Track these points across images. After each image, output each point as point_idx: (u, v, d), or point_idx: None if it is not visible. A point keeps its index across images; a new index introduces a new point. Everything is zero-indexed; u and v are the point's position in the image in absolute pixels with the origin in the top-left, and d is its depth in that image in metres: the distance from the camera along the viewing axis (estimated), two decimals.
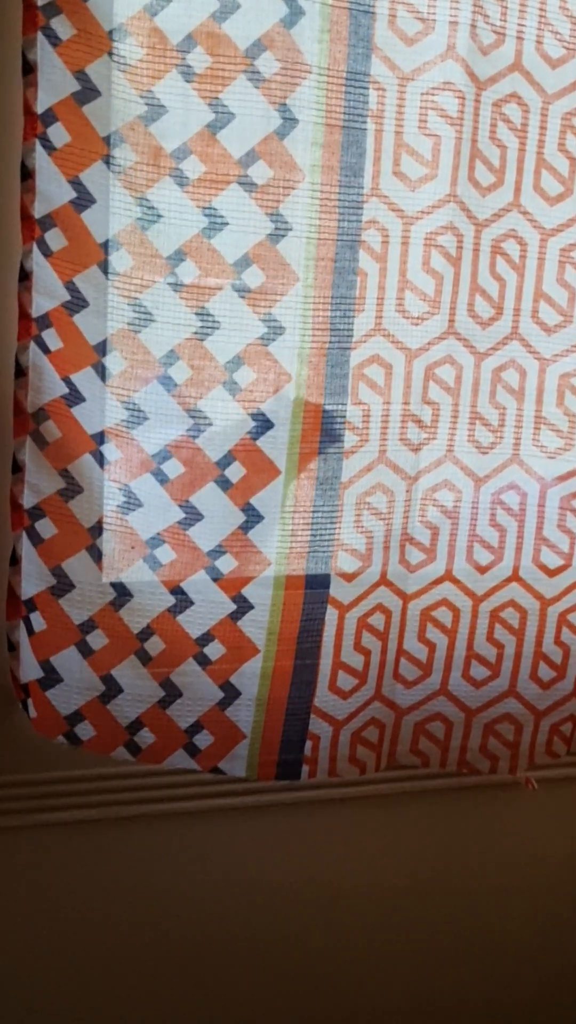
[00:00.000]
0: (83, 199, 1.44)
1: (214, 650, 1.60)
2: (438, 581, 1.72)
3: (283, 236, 1.51)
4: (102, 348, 1.49)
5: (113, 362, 1.50)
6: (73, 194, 1.44)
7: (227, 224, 1.49)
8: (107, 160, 1.44)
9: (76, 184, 1.43)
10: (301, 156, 1.50)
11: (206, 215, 1.49)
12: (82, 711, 1.57)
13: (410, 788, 1.84)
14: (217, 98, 1.45)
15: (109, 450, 1.52)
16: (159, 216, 1.47)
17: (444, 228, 1.60)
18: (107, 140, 1.44)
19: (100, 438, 1.51)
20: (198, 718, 1.61)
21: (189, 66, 1.43)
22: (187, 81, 1.44)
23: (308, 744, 1.67)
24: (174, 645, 1.58)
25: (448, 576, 1.71)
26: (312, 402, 1.57)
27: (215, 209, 1.49)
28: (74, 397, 1.48)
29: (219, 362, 1.52)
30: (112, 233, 1.46)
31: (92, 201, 1.44)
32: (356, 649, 1.67)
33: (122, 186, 1.46)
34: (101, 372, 1.49)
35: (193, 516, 1.56)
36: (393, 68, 1.53)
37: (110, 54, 1.40)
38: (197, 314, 1.50)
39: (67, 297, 1.45)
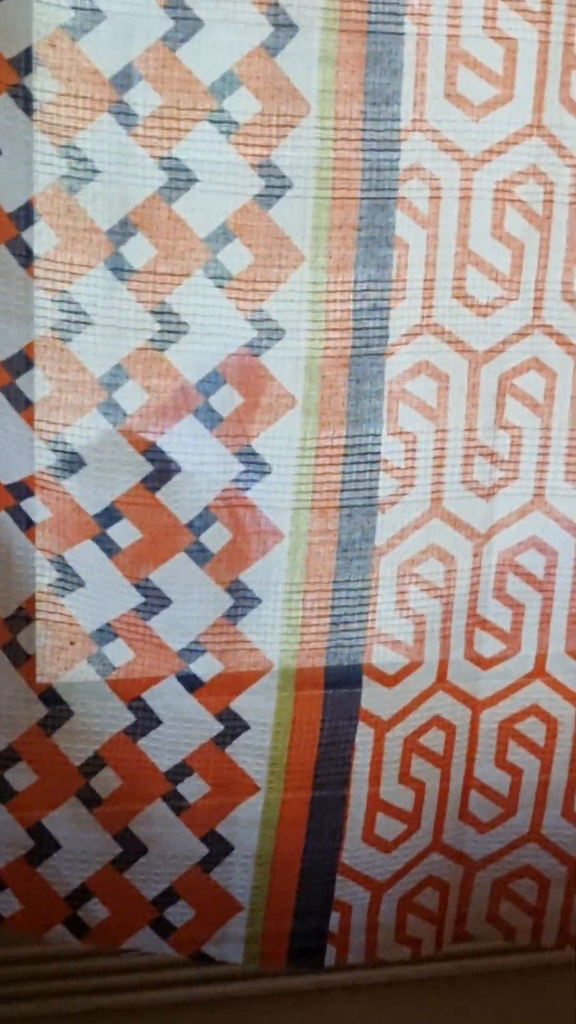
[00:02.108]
0: None
1: (193, 787, 1.51)
2: (525, 680, 1.61)
3: (279, 196, 1.39)
4: (17, 363, 1.39)
5: (33, 383, 1.40)
6: None
7: (195, 181, 1.37)
8: (15, 92, 1.33)
9: None
10: (304, 78, 1.37)
11: (164, 168, 1.36)
12: (2, 875, 1.49)
13: (484, 967, 1.74)
14: None
15: (33, 507, 1.42)
16: (94, 172, 1.36)
17: (525, 173, 1.47)
18: (15, 63, 1.33)
19: (20, 490, 1.42)
20: (171, 883, 1.53)
21: None
22: None
23: (335, 916, 1.59)
24: (134, 781, 1.50)
25: (539, 672, 1.61)
26: (328, 434, 1.45)
27: (177, 159, 1.36)
28: None
29: (188, 380, 1.41)
30: (27, 198, 1.36)
31: None
32: (403, 781, 1.57)
33: (39, 129, 1.34)
34: (16, 397, 1.39)
35: (156, 600, 1.46)
36: None
37: None
38: (154, 313, 1.39)
39: None
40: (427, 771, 1.58)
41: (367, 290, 1.43)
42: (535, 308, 1.50)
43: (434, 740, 1.57)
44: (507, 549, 1.56)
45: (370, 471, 1.46)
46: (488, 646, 1.58)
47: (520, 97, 1.44)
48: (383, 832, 1.57)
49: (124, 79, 1.34)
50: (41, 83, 1.33)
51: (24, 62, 1.32)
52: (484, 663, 1.57)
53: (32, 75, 1.33)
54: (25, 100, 1.33)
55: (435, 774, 1.59)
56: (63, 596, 1.44)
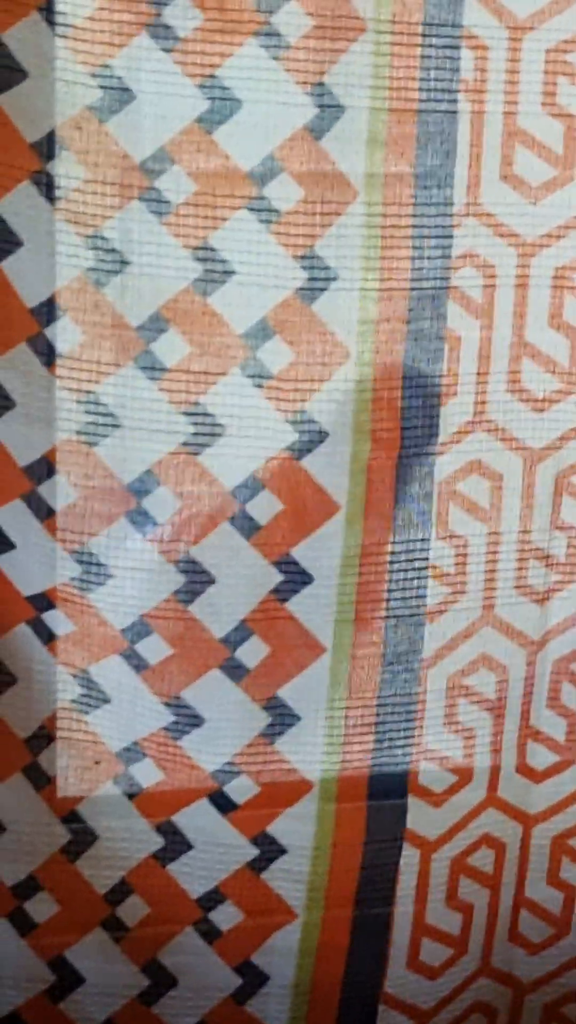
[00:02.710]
0: (1, 241, 1.25)
1: (226, 915, 1.43)
2: None
3: (323, 289, 1.31)
4: (38, 469, 1.31)
5: (56, 490, 1.32)
6: None
7: (232, 273, 1.29)
8: (38, 179, 1.25)
9: None
10: (350, 162, 1.29)
11: (199, 260, 1.28)
12: (21, 1012, 1.41)
13: None
14: (213, 75, 1.26)
15: (56, 620, 1.34)
16: (123, 263, 1.27)
17: None
18: (38, 147, 1.24)
19: (41, 602, 1.34)
20: (202, 1017, 1.45)
21: (168, 26, 1.24)
22: (165, 50, 1.25)
23: None
24: (163, 908, 1.42)
25: None
26: (374, 541, 1.37)
27: (214, 250, 1.28)
28: None
29: (224, 487, 1.33)
30: (50, 292, 1.27)
31: (16, 244, 1.26)
32: (450, 904, 1.50)
33: (64, 219, 1.26)
34: (38, 506, 1.31)
35: (188, 719, 1.38)
36: (500, 13, 1.32)
37: (42, 10, 1.21)
38: (187, 414, 1.31)
39: None
40: (475, 892, 1.50)
41: (416, 388, 1.35)
42: None
43: (483, 859, 1.50)
44: (562, 656, 1.48)
45: (418, 578, 1.39)
46: (541, 758, 1.50)
47: None
48: (428, 958, 1.50)
49: (156, 164, 1.26)
50: (66, 169, 1.25)
51: (47, 146, 1.24)
52: (537, 776, 1.50)
53: (56, 160, 1.24)
54: (48, 187, 1.25)
55: (484, 895, 1.51)
56: (87, 713, 1.36)
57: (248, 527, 1.34)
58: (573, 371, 1.40)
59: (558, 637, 1.47)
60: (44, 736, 1.36)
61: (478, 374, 1.38)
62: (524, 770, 1.49)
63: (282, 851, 1.42)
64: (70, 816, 1.38)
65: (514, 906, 1.54)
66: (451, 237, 1.33)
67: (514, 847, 1.51)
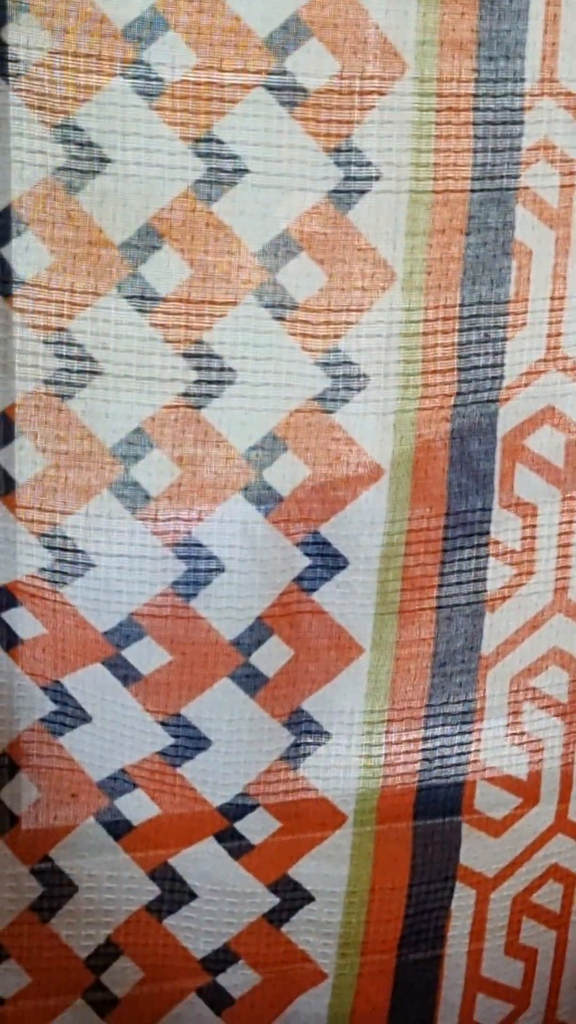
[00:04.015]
0: None
1: (238, 978, 1.22)
2: None
3: (363, 192, 1.06)
4: None
5: (18, 458, 1.08)
6: None
7: (245, 172, 1.04)
8: None
9: None
10: (396, 25, 1.04)
11: (201, 155, 1.03)
12: None
13: None
14: None
15: (20, 620, 1.12)
16: (103, 161, 1.02)
17: None
18: None
19: (1, 599, 1.10)
20: None
21: None
22: None
23: None
24: (160, 972, 1.20)
25: None
26: (424, 513, 1.14)
27: (220, 142, 1.03)
28: None
29: (236, 449, 1.09)
30: (6, 201, 1.03)
31: None
32: (511, 952, 1.29)
33: (24, 103, 1.01)
34: None
35: (190, 741, 1.16)
36: None
37: None
38: (187, 356, 1.06)
39: None
40: (539, 935, 1.31)
41: (477, 315, 1.12)
42: None
43: (549, 896, 1.30)
44: None
45: (477, 558, 1.18)
46: None
47: None
48: (484, 1018, 1.31)
49: (143, 29, 1.00)
50: (25, 36, 1.00)
51: None
52: None
53: (11, 25, 0.99)
54: (3, 61, 0.99)
55: (549, 938, 1.32)
56: (61, 735, 1.15)
57: (266, 498, 1.11)
58: None
59: None
60: (5, 766, 1.14)
61: (552, 299, 1.16)
62: None
63: (308, 898, 1.22)
64: (42, 863, 1.16)
65: None
66: (521, 123, 1.09)
67: None
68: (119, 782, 1.16)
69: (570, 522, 1.21)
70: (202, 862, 1.18)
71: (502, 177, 1.10)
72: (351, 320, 1.08)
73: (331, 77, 1.03)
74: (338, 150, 1.05)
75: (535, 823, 1.27)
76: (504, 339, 1.14)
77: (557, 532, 1.21)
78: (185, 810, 1.17)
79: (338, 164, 1.05)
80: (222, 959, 1.21)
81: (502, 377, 1.14)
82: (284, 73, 1.03)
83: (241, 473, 1.10)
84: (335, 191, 1.06)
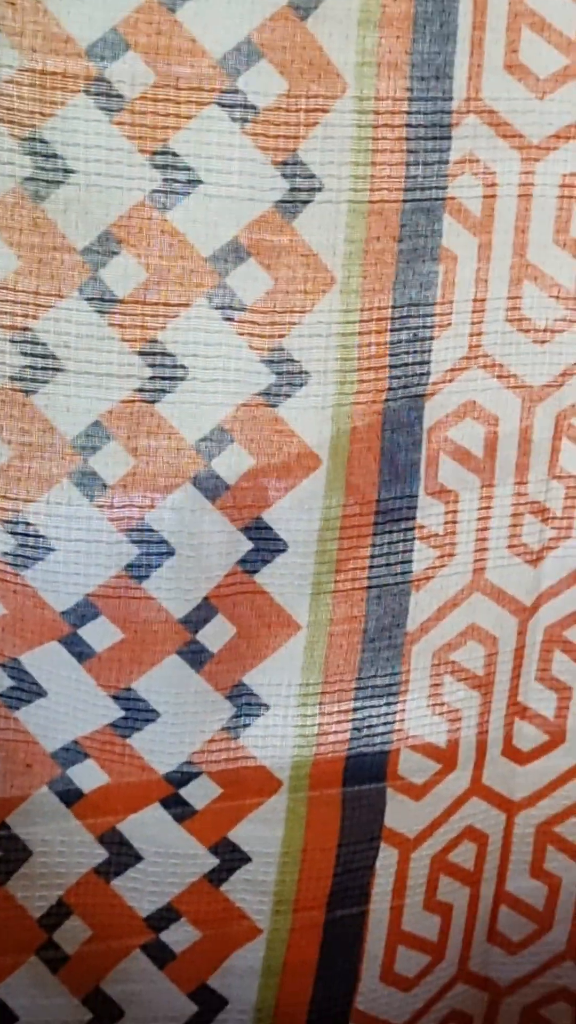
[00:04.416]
0: None
1: (180, 935, 1.26)
2: (568, 776, 1.38)
3: (306, 203, 1.11)
4: None
5: None
6: None
7: (198, 183, 1.08)
8: None
9: None
10: (339, 48, 1.09)
11: (158, 167, 1.07)
12: None
13: None
14: None
15: None
16: (67, 172, 1.06)
17: None
18: None
19: None
20: None
21: None
22: None
23: None
24: (107, 930, 1.24)
25: None
26: (357, 499, 1.19)
27: (176, 155, 1.07)
28: None
29: (186, 440, 1.13)
30: None
31: None
32: (429, 906, 1.34)
33: None
34: None
35: (139, 713, 1.20)
36: None
37: None
38: (142, 354, 1.11)
39: None
40: (455, 891, 1.35)
41: (407, 316, 1.17)
42: None
43: (464, 855, 1.35)
44: (554, 622, 1.33)
45: (404, 541, 1.22)
46: (528, 738, 1.35)
47: None
48: (404, 968, 1.34)
49: (104, 50, 1.04)
50: None
51: None
52: (522, 758, 1.35)
53: None
54: None
55: (464, 894, 1.36)
56: (17, 709, 1.19)
57: (213, 486, 1.15)
58: None
59: (550, 601, 1.32)
60: None
61: (475, 301, 1.20)
62: (509, 752, 1.35)
63: (245, 859, 1.26)
64: (0, 829, 1.19)
65: (494, 903, 1.40)
66: (449, 138, 1.14)
67: (496, 838, 1.37)
68: (71, 752, 1.19)
69: (487, 508, 1.25)
70: (148, 826, 1.22)
71: (431, 188, 1.14)
72: (294, 321, 1.12)
73: (279, 96, 1.07)
74: (285, 163, 1.08)
75: (453, 787, 1.31)
76: (431, 338, 1.18)
77: (476, 517, 1.25)
78: (133, 778, 1.20)
79: (284, 176, 1.09)
80: (165, 917, 1.24)
81: (428, 374, 1.19)
82: (236, 91, 1.06)
83: (191, 463, 1.13)
84: (281, 201, 1.09)
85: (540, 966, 1.43)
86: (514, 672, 1.32)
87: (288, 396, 1.14)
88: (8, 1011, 1.23)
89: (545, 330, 1.23)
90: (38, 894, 1.22)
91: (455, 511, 1.24)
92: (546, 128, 1.18)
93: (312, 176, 1.10)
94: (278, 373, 1.13)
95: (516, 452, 1.26)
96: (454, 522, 1.25)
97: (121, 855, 1.23)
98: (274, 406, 1.14)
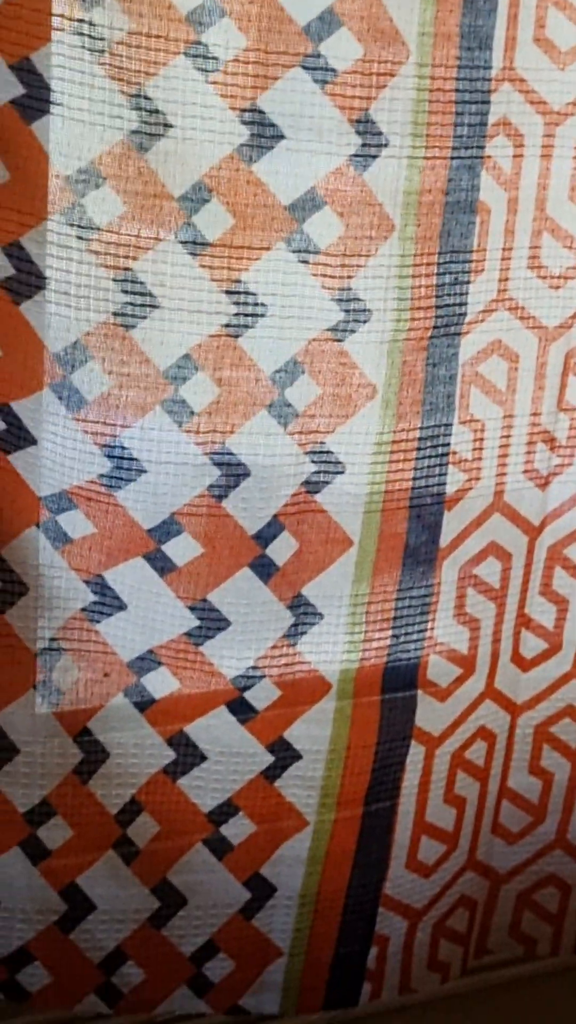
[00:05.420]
0: (33, 98, 1.10)
1: (238, 828, 1.34)
2: (562, 681, 1.49)
3: (375, 158, 1.19)
4: (68, 357, 1.17)
5: (88, 379, 1.18)
6: (19, 90, 1.10)
7: (282, 138, 1.16)
8: (79, 29, 1.10)
9: (21, 71, 1.10)
10: (406, 19, 1.18)
11: (247, 123, 1.15)
12: (30, 948, 1.30)
13: (493, 980, 1.60)
14: None
15: (74, 521, 1.22)
16: (166, 126, 1.13)
17: None
18: None
19: (60, 502, 1.21)
20: (211, 936, 1.36)
21: None
22: None
23: (373, 951, 1.43)
24: (173, 826, 1.32)
25: None
26: (405, 426, 1.28)
27: (263, 113, 1.15)
28: (14, 437, 1.18)
29: (264, 371, 1.21)
30: (89, 158, 1.13)
31: (50, 102, 1.11)
32: (447, 800, 1.44)
33: (106, 74, 1.11)
34: (70, 397, 1.18)
35: (213, 623, 1.28)
36: None
37: None
38: (229, 293, 1.19)
39: (8, 270, 1.14)
40: (468, 786, 1.45)
41: (450, 262, 1.26)
42: None
43: (477, 752, 1.45)
44: (557, 541, 1.44)
45: (440, 464, 1.31)
46: (531, 646, 1.46)
47: None
48: (425, 856, 1.44)
49: (204, 15, 1.12)
50: (109, 18, 1.10)
51: None
52: (526, 664, 1.46)
53: (99, 8, 1.10)
54: (86, 38, 1.10)
55: (475, 789, 1.46)
56: (98, 622, 1.25)
57: (286, 414, 1.23)
58: None
59: (554, 522, 1.42)
60: (56, 649, 1.24)
61: (503, 249, 1.30)
62: (516, 659, 1.45)
63: (297, 757, 1.34)
64: (82, 733, 1.26)
65: (498, 797, 1.49)
66: (488, 103, 1.24)
67: (503, 738, 1.47)
68: (146, 662, 1.26)
69: (508, 436, 1.35)
70: (213, 728, 1.29)
71: (473, 147, 1.23)
72: (360, 264, 1.21)
73: (356, 60, 1.16)
74: (358, 121, 1.17)
75: (471, 690, 1.41)
76: (468, 282, 1.27)
77: (498, 445, 1.34)
78: (202, 684, 1.28)
79: (358, 133, 1.18)
80: (225, 812, 1.32)
81: (465, 314, 1.28)
82: (318, 56, 1.15)
83: (267, 392, 1.22)
84: (354, 155, 1.18)
85: (534, 854, 1.53)
86: (523, 586, 1.41)
87: (353, 332, 1.23)
88: (88, 900, 1.29)
89: (559, 276, 1.33)
90: (114, 792, 1.28)
91: (482, 439, 1.33)
92: (565, 96, 1.28)
93: (380, 133, 1.18)
94: (346, 311, 1.22)
95: (533, 386, 1.35)
96: (480, 449, 1.34)
97: (187, 756, 1.30)
98: (340, 340, 1.22)
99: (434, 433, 1.29)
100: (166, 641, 1.26)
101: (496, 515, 1.37)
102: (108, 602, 1.24)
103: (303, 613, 1.29)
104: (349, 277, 1.21)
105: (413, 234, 1.22)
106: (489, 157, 1.25)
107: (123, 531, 1.22)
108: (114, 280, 1.15)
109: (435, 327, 1.26)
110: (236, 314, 1.18)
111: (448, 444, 1.31)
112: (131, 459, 1.20)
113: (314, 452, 1.24)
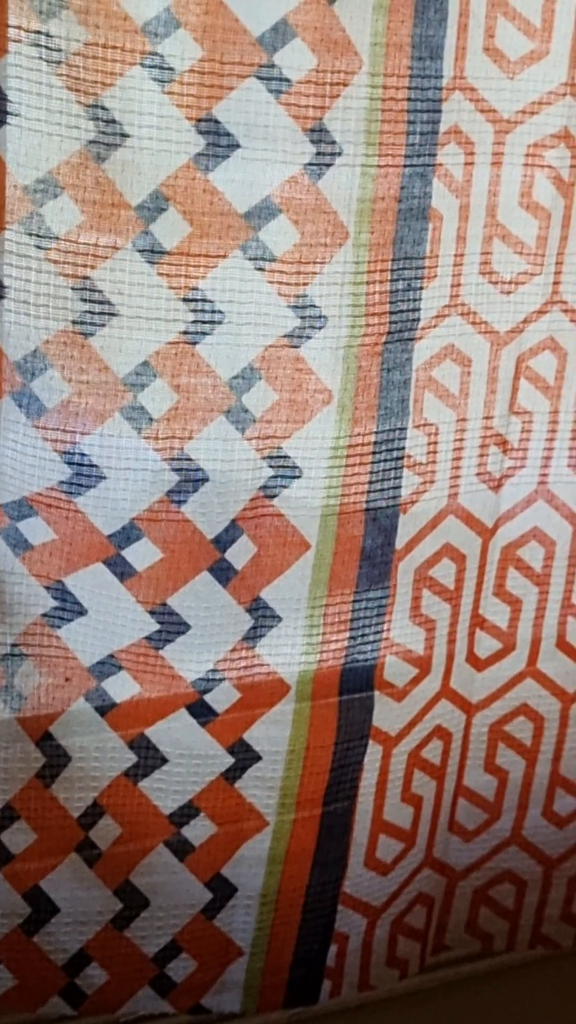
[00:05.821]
0: None
1: (199, 830, 1.34)
2: (516, 680, 1.50)
3: (329, 166, 1.20)
4: (28, 365, 1.18)
5: (47, 387, 1.19)
6: None
7: (237, 147, 1.17)
8: (36, 40, 1.11)
9: None
10: (359, 29, 1.18)
11: (203, 133, 1.15)
12: None
13: (451, 976, 1.60)
14: None
15: (34, 528, 1.22)
16: (123, 136, 1.14)
17: (556, 136, 1.31)
18: (38, 6, 1.10)
19: (20, 510, 1.21)
20: (173, 936, 1.36)
21: None
22: None
23: (332, 949, 1.44)
24: (135, 828, 1.32)
25: (531, 671, 1.50)
26: (360, 431, 1.29)
27: (219, 122, 1.15)
28: None
29: (221, 378, 1.22)
30: (47, 168, 1.14)
31: (8, 112, 1.12)
32: (404, 798, 1.44)
33: (63, 85, 1.12)
34: (30, 404, 1.19)
35: (173, 627, 1.28)
36: None
37: None
38: (186, 300, 1.19)
39: None
40: (425, 785, 1.46)
41: (403, 268, 1.27)
42: (554, 283, 1.37)
43: (433, 751, 1.45)
44: (510, 543, 1.45)
45: (395, 468, 1.32)
46: (485, 646, 1.46)
47: (556, 53, 1.30)
48: (383, 854, 1.44)
49: (160, 26, 1.12)
50: (65, 29, 1.11)
51: (45, 3, 1.10)
52: (480, 664, 1.46)
53: (55, 20, 1.10)
54: (43, 48, 1.11)
55: (431, 787, 1.47)
56: (59, 627, 1.25)
57: (243, 420, 1.23)
58: (539, 252, 1.34)
59: (507, 523, 1.43)
60: (18, 655, 1.25)
61: (455, 256, 1.31)
62: (471, 659, 1.45)
63: (257, 758, 1.34)
64: (44, 738, 1.26)
65: (454, 795, 1.50)
66: (439, 112, 1.24)
67: (458, 736, 1.47)
68: (107, 666, 1.26)
69: (461, 440, 1.35)
70: (174, 731, 1.29)
71: (425, 155, 1.24)
72: (316, 271, 1.21)
73: (310, 70, 1.17)
74: (312, 130, 1.18)
75: (426, 690, 1.41)
76: (421, 288, 1.28)
77: (452, 448, 1.35)
78: (163, 687, 1.28)
79: (312, 142, 1.18)
80: (186, 814, 1.32)
81: (419, 320, 1.29)
82: (272, 66, 1.15)
83: (224, 398, 1.22)
84: (309, 164, 1.18)
85: (489, 851, 1.53)
86: (477, 587, 1.42)
87: (309, 338, 1.23)
88: (51, 903, 1.29)
89: (510, 282, 1.34)
90: (77, 795, 1.28)
91: (435, 442, 1.34)
92: (515, 104, 1.29)
93: (334, 142, 1.19)
94: (301, 317, 1.22)
95: (485, 390, 1.36)
96: (434, 452, 1.34)
97: (149, 758, 1.30)
98: (296, 347, 1.23)
99: (389, 437, 1.29)
100: (127, 645, 1.26)
101: (450, 517, 1.37)
102: (69, 607, 1.23)
103: (262, 616, 1.29)
104: (304, 284, 1.21)
105: (367, 241, 1.23)
106: (441, 165, 1.25)
107: (83, 537, 1.22)
108: (73, 288, 1.15)
109: (389, 332, 1.26)
110: (193, 321, 1.18)
111: (403, 448, 1.31)
112: (91, 466, 1.20)
113: (271, 457, 1.24)
